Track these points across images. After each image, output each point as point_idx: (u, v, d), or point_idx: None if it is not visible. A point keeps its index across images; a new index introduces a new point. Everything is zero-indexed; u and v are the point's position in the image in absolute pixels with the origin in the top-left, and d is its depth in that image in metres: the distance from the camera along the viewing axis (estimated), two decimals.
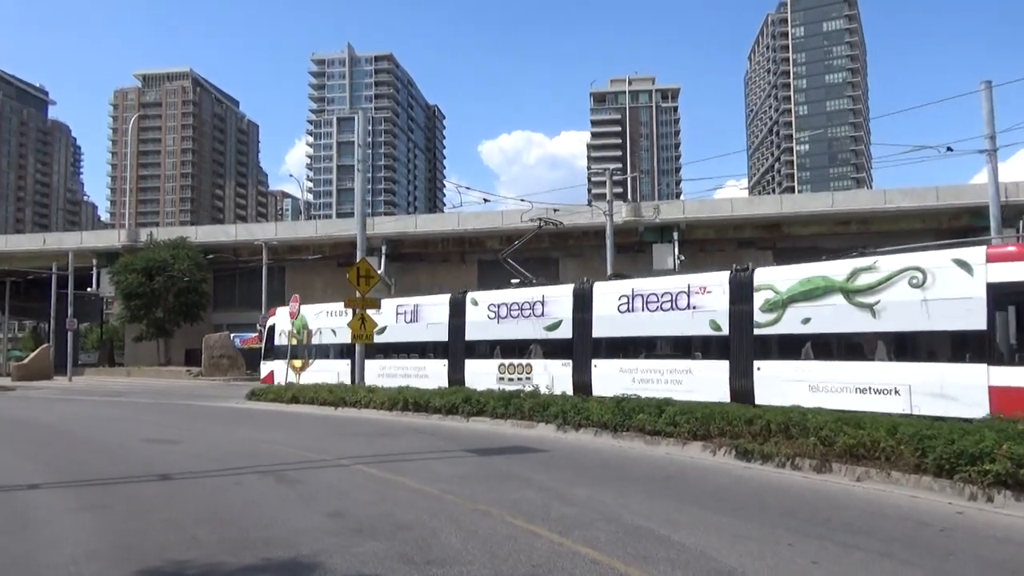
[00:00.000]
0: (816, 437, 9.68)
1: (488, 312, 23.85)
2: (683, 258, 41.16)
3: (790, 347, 16.35)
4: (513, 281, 26.84)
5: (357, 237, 22.72)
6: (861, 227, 43.68)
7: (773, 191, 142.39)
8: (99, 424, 17.23)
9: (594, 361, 20.52)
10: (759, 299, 17.12)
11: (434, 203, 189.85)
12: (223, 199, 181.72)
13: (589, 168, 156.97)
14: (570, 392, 19.09)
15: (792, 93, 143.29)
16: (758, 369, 16.84)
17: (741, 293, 17.63)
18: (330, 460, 10.74)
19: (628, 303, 20.00)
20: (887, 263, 15.10)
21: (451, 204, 57.38)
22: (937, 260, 14.36)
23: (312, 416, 18.39)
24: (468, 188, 27.96)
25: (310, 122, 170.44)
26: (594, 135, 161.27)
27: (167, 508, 7.71)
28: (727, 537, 6.43)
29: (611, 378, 19.32)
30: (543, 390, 18.92)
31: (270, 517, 7.24)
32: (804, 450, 9.66)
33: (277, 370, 31.89)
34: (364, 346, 23.82)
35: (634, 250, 47.33)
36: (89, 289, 56.76)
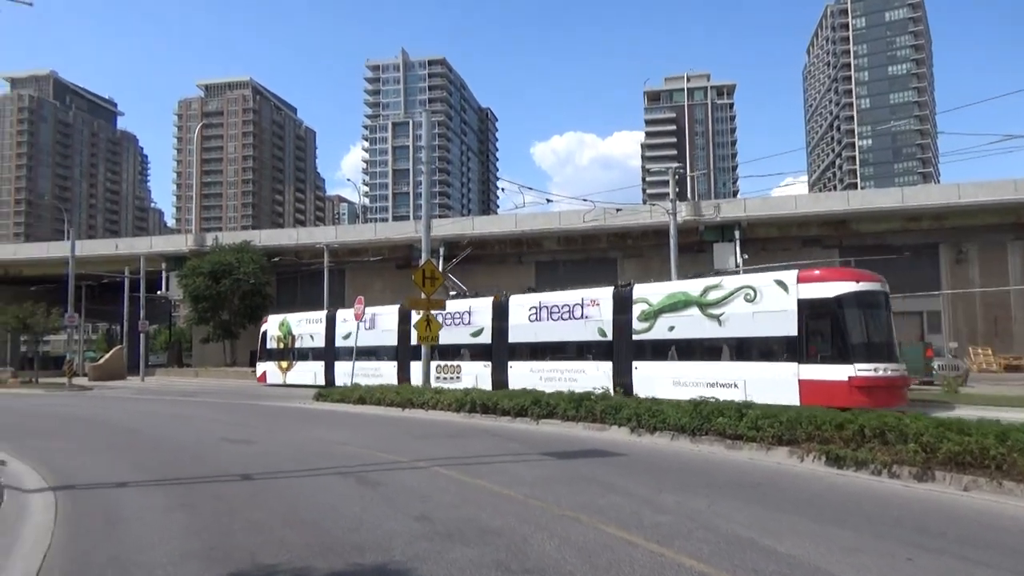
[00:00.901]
0: (916, 443, 9.35)
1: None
2: (745, 256, 40.22)
3: (660, 350, 21.02)
4: (452, 293, 32.79)
5: (422, 238, 22.73)
6: (933, 223, 41.99)
7: (834, 188, 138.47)
8: (176, 423, 17.61)
9: (510, 363, 25.40)
10: (637, 310, 21.74)
11: (487, 205, 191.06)
12: (282, 204, 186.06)
13: (644, 168, 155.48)
14: (489, 388, 23.26)
15: (853, 86, 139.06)
16: (636, 368, 21.56)
17: (622, 306, 22.11)
18: (406, 462, 10.66)
19: (537, 313, 24.75)
20: (729, 282, 19.85)
21: (504, 206, 57.19)
22: (764, 280, 19.25)
23: (380, 417, 18.46)
24: (529, 188, 27.70)
25: (365, 127, 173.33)
26: (648, 134, 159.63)
27: (252, 509, 7.70)
28: (837, 550, 6.11)
29: (523, 377, 24.22)
30: (468, 386, 22.86)
31: (356, 520, 7.17)
32: (903, 457, 9.31)
33: (269, 370, 38.88)
34: (334, 350, 28.52)
35: (694, 250, 46.52)
36: (159, 292, 58.61)
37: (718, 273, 22.42)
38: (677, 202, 33.82)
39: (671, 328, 21.31)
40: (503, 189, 27.34)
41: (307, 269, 53.99)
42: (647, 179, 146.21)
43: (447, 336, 27.64)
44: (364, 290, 49.01)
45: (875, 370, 18.07)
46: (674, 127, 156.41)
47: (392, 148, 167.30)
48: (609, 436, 13.57)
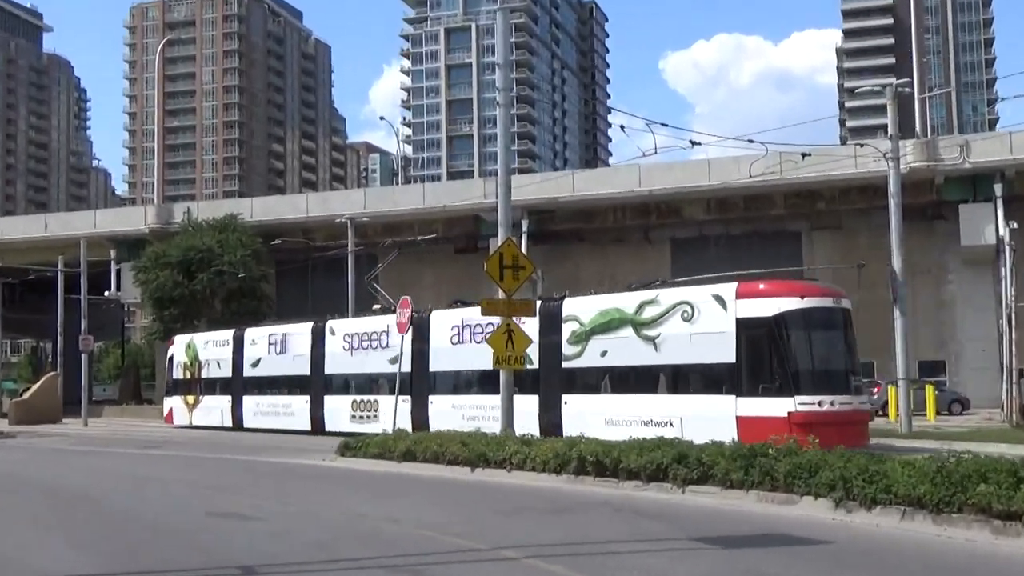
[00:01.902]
0: None
1: (343, 342, 36.22)
2: (1014, 226, 38.72)
3: (592, 380, 25.66)
4: (375, 307, 38.97)
5: (498, 206, 22.93)
6: None
7: None
8: (142, 489, 18.33)
9: (431, 397, 31.06)
10: (567, 331, 26.65)
11: (593, 153, 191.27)
12: (283, 157, 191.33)
13: (842, 88, 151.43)
14: (410, 430, 27.37)
15: None
16: (565, 403, 26.40)
17: (550, 325, 27.05)
18: (485, 549, 10.73)
19: (459, 334, 30.18)
20: (667, 297, 24.32)
21: (620, 156, 57.14)
22: (702, 295, 23.37)
23: (440, 481, 18.73)
24: (660, 124, 27.33)
25: (405, 38, 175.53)
26: (849, 34, 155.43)
27: None
28: None
29: (445, 415, 29.56)
30: (386, 429, 26.79)
31: None
32: None
33: (175, 407, 45.43)
34: (242, 382, 38.97)
35: (928, 216, 45.35)
36: (107, 293, 61.40)
37: (653, 285, 26.93)
38: (900, 140, 32.89)
39: (603, 353, 25.71)
40: (623, 127, 26.96)
41: (322, 255, 55.37)
42: (847, 105, 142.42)
43: (362, 363, 34.86)
44: (408, 287, 49.86)
45: (819, 403, 22.31)
46: (890, 20, 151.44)
47: (445, 68, 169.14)
48: (800, 513, 13.32)
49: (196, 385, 44.73)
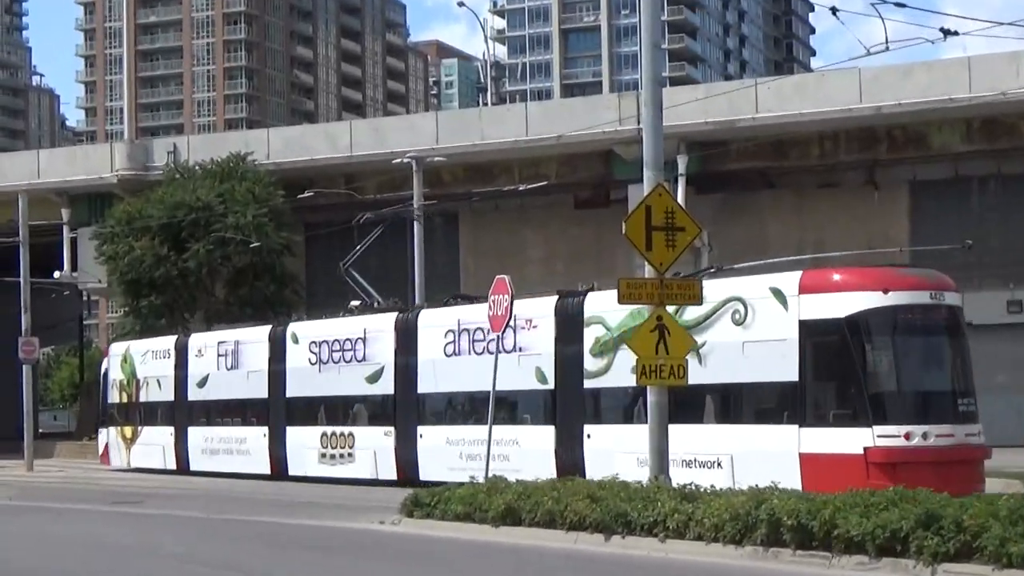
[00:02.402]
0: None
1: (310, 354, 39.73)
2: None
3: (622, 405, 28.93)
4: (353, 304, 42.43)
5: (644, 136, 22.80)
6: None
7: None
8: (120, 571, 18.72)
9: (420, 429, 35.00)
10: (589, 338, 29.75)
11: (787, 52, 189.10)
12: (313, 67, 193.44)
13: None
14: (393, 476, 34.82)
15: None
16: (588, 436, 29.66)
17: (570, 329, 30.56)
18: None
19: (455, 342, 33.94)
20: (714, 290, 25.66)
21: (827, 55, 56.33)
22: (757, 289, 25.72)
23: (563, 556, 18.78)
24: (898, 4, 26.96)
25: None
26: None
27: None
28: None
29: (438, 453, 33.77)
30: (361, 473, 35.70)
31: None
32: None
33: (111, 441, 49.83)
34: (186, 407, 45.56)
35: None
36: (56, 274, 62.80)
37: (699, 274, 29.99)
38: None
39: (634, 368, 25.74)
40: (835, 11, 26.53)
41: (374, 215, 55.82)
42: None
43: (334, 382, 38.75)
44: (505, 259, 50.26)
45: (906, 436, 23.98)
46: None
47: None
48: None
49: (134, 412, 48.59)
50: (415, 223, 48.68)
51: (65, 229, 61.83)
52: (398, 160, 50.50)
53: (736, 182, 53.49)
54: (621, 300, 21.82)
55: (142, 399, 47.88)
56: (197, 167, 58.05)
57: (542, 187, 53.24)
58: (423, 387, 35.38)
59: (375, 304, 40.23)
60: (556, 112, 59.82)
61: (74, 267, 62.04)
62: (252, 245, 53.74)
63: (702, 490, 20.09)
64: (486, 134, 55.66)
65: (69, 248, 61.94)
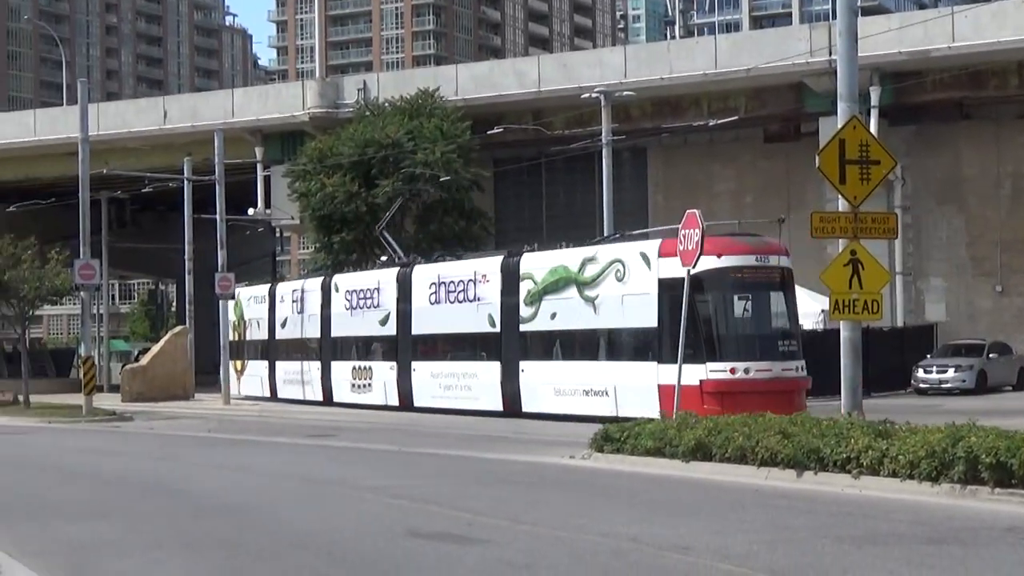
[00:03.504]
0: None
1: (345, 300, 48.17)
2: None
3: (545, 345, 37.60)
4: (382, 259, 51.32)
5: (838, 67, 22.47)
6: None
7: None
8: (319, 500, 19.40)
9: (413, 364, 43.16)
10: (523, 290, 37.63)
11: None
12: (499, 3, 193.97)
13: None
14: (396, 403, 43.21)
15: None
16: (523, 371, 37.77)
17: (510, 283, 38.22)
18: None
19: (436, 293, 41.82)
20: (604, 253, 35.07)
21: None
22: (631, 252, 33.99)
23: (752, 491, 18.77)
24: None
25: None
26: None
27: None
28: None
29: (426, 384, 42.29)
30: (376, 400, 44.56)
31: None
32: None
33: (231, 376, 55.92)
34: (275, 345, 54.01)
35: None
36: (251, 211, 64.22)
37: (600, 241, 38.37)
38: None
39: (553, 315, 37.14)
40: None
41: (561, 151, 55.95)
42: None
43: (357, 326, 47.65)
44: (692, 191, 50.10)
45: (731, 371, 32.00)
46: None
47: None
48: None
49: (242, 349, 57.00)
50: (603, 159, 48.63)
51: (258, 167, 63.14)
52: (586, 95, 50.46)
53: (930, 114, 52.51)
54: (814, 234, 21.76)
55: (247, 337, 56.58)
56: (387, 104, 58.77)
57: (732, 122, 52.81)
58: (415, 329, 43.63)
59: (400, 260, 47.53)
60: (745, 44, 59.04)
61: (267, 204, 63.26)
62: (441, 180, 54.22)
63: (897, 427, 19.96)
64: (675, 68, 55.31)
65: (262, 186, 63.23)
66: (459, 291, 40.88)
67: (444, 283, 41.73)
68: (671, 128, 55.24)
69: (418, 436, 32.77)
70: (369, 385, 46.18)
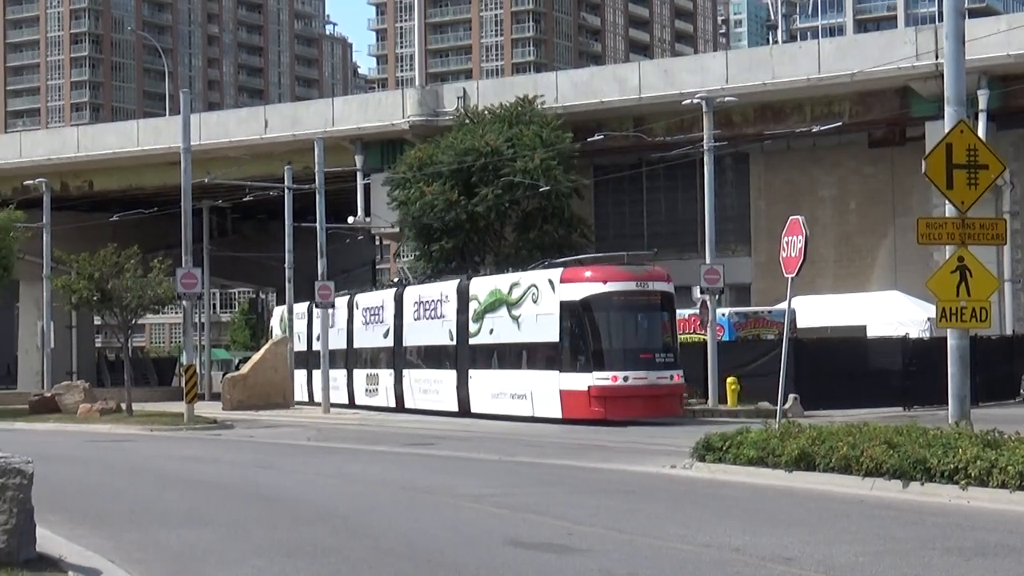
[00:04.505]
0: None
1: (361, 316, 57.31)
2: None
3: (486, 356, 46.02)
4: (394, 280, 67.78)
5: (945, 70, 22.19)
6: None
7: None
8: (418, 508, 19.57)
9: (404, 371, 52.12)
10: (472, 309, 46.35)
11: None
12: (599, 10, 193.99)
13: None
14: (394, 405, 52.74)
15: None
16: (471, 377, 46.46)
17: (463, 303, 47.03)
18: None
19: (418, 310, 50.91)
20: (525, 279, 43.96)
21: None
22: (542, 278, 42.95)
23: (855, 501, 18.71)
24: None
25: None
26: None
27: None
28: None
29: (411, 389, 51.50)
30: (382, 403, 53.84)
31: None
32: None
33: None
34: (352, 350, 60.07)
35: None
36: (350, 220, 64.76)
37: (532, 267, 45.75)
38: None
39: (491, 331, 45.19)
40: None
41: (661, 157, 55.82)
42: None
43: (371, 338, 55.75)
44: (795, 196, 49.89)
45: (611, 379, 38.95)
46: None
47: None
48: None
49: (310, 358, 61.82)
50: (704, 165, 48.44)
51: (358, 175, 63.61)
52: (687, 101, 50.34)
53: None
54: (920, 240, 21.61)
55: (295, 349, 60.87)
56: (486, 112, 58.96)
57: (836, 128, 52.48)
58: (405, 342, 52.14)
59: (396, 282, 60.27)
60: (850, 48, 58.59)
61: (367, 212, 63.75)
62: (541, 189, 54.29)
63: (1006, 437, 19.73)
64: (777, 73, 55.03)
65: (362, 194, 63.73)
66: (429, 309, 50.03)
67: (422, 303, 50.86)
68: (774, 134, 55.06)
69: (518, 445, 32.94)
70: (377, 390, 54.79)
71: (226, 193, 67.55)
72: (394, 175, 59.33)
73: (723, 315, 47.72)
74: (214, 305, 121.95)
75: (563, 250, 54.24)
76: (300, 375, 60.18)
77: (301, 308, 61.08)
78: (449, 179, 55.94)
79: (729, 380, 43.97)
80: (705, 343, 45.12)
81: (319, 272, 55.38)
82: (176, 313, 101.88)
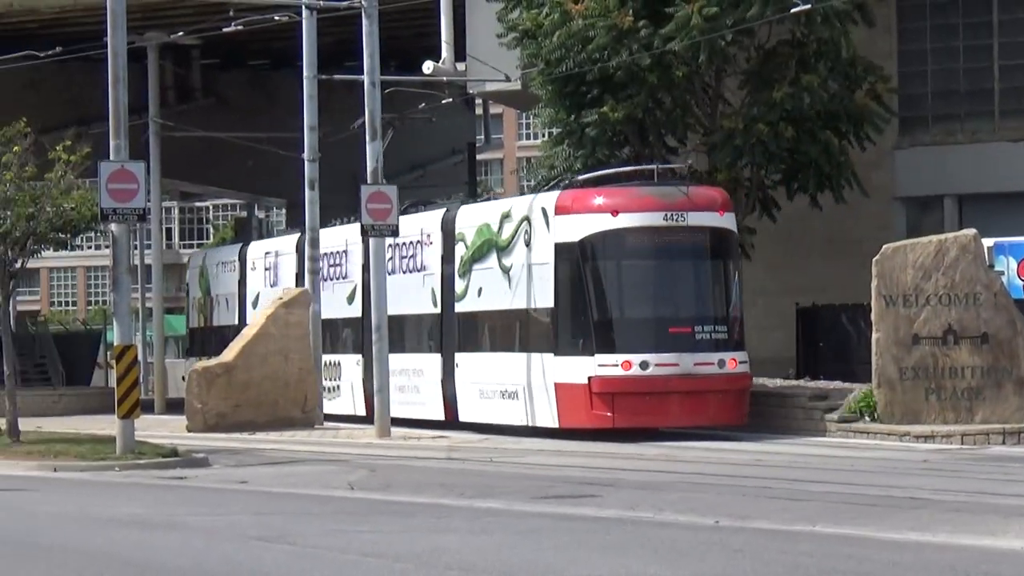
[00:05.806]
0: None
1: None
2: None
3: (475, 331, 57.88)
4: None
5: None
6: None
7: None
8: None
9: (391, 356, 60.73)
10: (457, 257, 57.50)
11: None
12: None
13: None
14: (362, 412, 64.64)
15: None
16: (458, 366, 57.96)
17: (448, 247, 58.74)
18: None
19: (392, 258, 60.67)
20: (517, 208, 52.94)
21: None
22: (535, 206, 50.69)
23: None
24: None
25: None
26: None
27: None
28: None
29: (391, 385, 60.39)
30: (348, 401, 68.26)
31: None
32: None
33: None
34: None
35: None
36: (427, 66, 64.50)
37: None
38: None
39: (480, 291, 51.88)
40: None
41: None
42: None
43: (328, 306, 63.74)
44: None
45: (622, 365, 41.90)
46: None
47: None
48: None
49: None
50: None
51: None
52: None
53: None
54: None
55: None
56: None
57: None
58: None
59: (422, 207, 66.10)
60: None
61: (459, 55, 63.10)
62: (793, 10, 52.87)
63: None
64: None
65: (449, 18, 62.89)
66: (405, 256, 58.63)
67: (398, 244, 58.84)
68: None
69: (735, 496, 32.35)
70: (338, 389, 65.47)
71: (192, 18, 67.29)
72: None
73: None
74: (170, 232, 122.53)
75: (836, 123, 53.34)
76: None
77: (279, 244, 69.46)
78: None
79: None
80: None
81: (368, 167, 54.65)
82: (99, 248, 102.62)
